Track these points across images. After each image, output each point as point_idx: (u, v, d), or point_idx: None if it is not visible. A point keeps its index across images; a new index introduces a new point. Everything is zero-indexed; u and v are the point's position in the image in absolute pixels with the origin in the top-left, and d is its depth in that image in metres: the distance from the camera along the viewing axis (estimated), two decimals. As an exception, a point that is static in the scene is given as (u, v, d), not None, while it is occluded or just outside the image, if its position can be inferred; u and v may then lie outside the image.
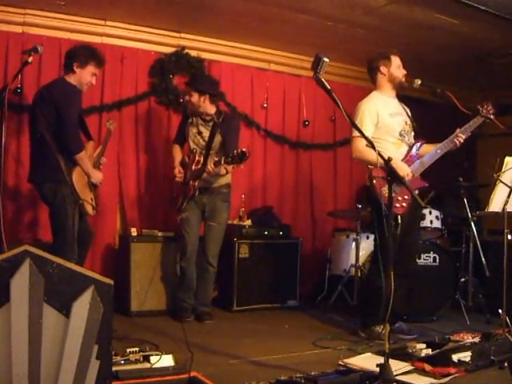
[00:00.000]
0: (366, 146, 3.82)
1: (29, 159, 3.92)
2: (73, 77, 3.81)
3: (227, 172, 4.43)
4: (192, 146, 4.52)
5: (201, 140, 4.49)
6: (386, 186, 3.73)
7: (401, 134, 3.98)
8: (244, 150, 4.00)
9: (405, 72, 3.98)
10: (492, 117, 3.93)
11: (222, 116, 4.49)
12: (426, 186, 3.95)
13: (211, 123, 4.46)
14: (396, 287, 2.75)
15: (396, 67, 3.98)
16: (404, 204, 3.77)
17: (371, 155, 3.77)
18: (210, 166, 4.23)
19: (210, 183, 4.46)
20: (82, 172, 3.78)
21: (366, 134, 3.73)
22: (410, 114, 4.15)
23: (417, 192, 3.90)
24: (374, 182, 3.78)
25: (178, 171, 4.52)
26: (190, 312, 4.47)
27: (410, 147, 3.99)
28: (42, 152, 3.71)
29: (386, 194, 3.73)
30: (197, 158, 4.43)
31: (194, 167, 4.43)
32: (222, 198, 4.54)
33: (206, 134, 4.47)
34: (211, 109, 4.48)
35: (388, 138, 3.93)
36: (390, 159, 2.85)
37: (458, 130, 3.91)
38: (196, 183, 4.39)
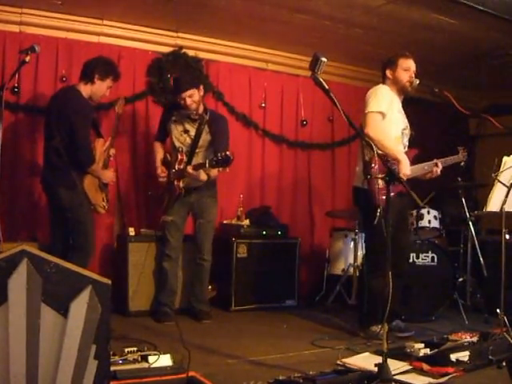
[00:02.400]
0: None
1: (42, 162, 4.06)
2: (90, 87, 3.90)
3: (208, 177, 4.28)
4: (177, 144, 4.40)
5: (187, 138, 4.38)
6: (380, 175, 3.79)
7: (402, 132, 4.00)
8: (228, 153, 3.88)
9: (412, 76, 3.95)
10: (462, 164, 4.29)
11: (209, 114, 4.40)
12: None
13: (198, 121, 4.36)
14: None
15: (402, 70, 3.95)
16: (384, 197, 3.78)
17: (388, 142, 3.80)
18: (190, 169, 4.17)
19: (196, 182, 4.36)
20: (92, 177, 3.93)
21: (381, 109, 3.76)
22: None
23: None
24: (373, 166, 3.72)
25: (161, 171, 4.44)
26: (171, 316, 4.35)
27: (406, 151, 4.01)
28: (56, 160, 3.84)
29: (378, 184, 3.79)
30: (179, 156, 4.33)
31: (177, 166, 4.34)
32: (209, 195, 4.49)
33: (193, 132, 4.35)
34: (202, 106, 4.41)
35: (392, 131, 3.93)
36: (388, 159, 2.85)
37: (435, 160, 4.02)
38: (180, 183, 4.31)
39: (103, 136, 4.17)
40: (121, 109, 4.33)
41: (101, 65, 3.92)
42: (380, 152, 2.89)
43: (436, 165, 4.01)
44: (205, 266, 4.51)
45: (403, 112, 4.08)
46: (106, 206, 4.11)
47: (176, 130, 4.42)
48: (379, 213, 3.58)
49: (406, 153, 3.97)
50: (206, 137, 4.36)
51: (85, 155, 3.82)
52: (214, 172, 4.28)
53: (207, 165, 4.05)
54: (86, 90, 3.89)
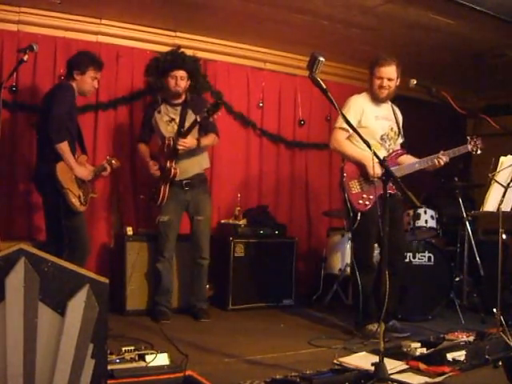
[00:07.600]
0: (347, 138, 3.94)
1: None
2: (75, 84, 3.91)
3: (198, 143, 4.34)
4: (167, 135, 4.40)
5: (175, 126, 4.41)
6: (354, 180, 3.92)
7: (382, 138, 4.03)
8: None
9: (383, 85, 3.94)
10: (479, 152, 4.07)
11: (190, 97, 4.47)
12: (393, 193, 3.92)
13: (179, 106, 4.42)
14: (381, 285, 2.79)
15: (375, 78, 3.96)
16: (367, 202, 3.89)
17: (348, 149, 3.94)
18: (181, 139, 4.23)
19: (190, 168, 4.40)
20: (66, 165, 3.78)
21: (346, 126, 3.76)
22: (400, 119, 4.19)
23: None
24: (345, 175, 3.93)
25: (153, 164, 4.44)
26: (168, 315, 4.37)
27: (390, 153, 4.02)
28: (40, 152, 3.81)
29: (353, 190, 3.90)
30: (167, 142, 4.33)
31: (165, 150, 4.35)
32: (203, 190, 4.54)
33: (178, 118, 4.41)
34: (185, 95, 4.47)
35: (367, 140, 3.94)
36: (385, 159, 2.86)
37: (441, 152, 3.98)
38: (173, 163, 4.32)
39: (87, 152, 4.17)
40: (114, 162, 4.14)
41: (76, 60, 3.92)
42: (374, 151, 2.90)
43: (439, 157, 3.96)
44: (204, 266, 4.53)
45: (388, 114, 4.08)
46: (84, 204, 3.88)
47: (162, 122, 4.44)
48: (359, 217, 3.80)
49: (391, 156, 4.00)
50: (190, 117, 4.37)
51: (55, 128, 3.67)
52: (204, 141, 4.40)
53: (198, 118, 4.15)
54: (73, 85, 3.92)
